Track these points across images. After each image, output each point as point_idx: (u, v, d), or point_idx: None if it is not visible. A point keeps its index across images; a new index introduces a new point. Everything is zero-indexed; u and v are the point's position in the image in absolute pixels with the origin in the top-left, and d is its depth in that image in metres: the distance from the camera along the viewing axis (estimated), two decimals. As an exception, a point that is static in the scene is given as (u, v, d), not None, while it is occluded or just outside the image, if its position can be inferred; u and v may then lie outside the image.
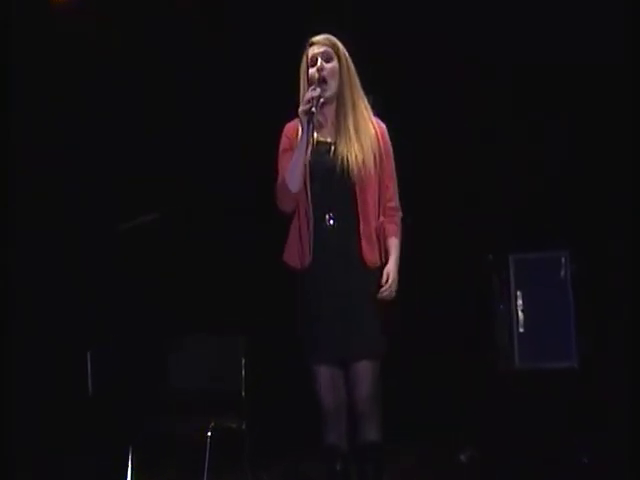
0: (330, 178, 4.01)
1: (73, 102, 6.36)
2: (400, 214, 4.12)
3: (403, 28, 5.98)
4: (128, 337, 6.11)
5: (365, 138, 4.04)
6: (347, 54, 4.10)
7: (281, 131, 4.13)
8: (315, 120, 3.96)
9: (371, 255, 4.02)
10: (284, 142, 4.10)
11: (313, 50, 4.07)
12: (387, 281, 3.99)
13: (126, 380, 6.03)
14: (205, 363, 5.48)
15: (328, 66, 4.04)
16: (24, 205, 6.08)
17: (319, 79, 4.00)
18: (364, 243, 4.01)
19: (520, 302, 5.68)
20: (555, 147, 5.81)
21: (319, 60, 4.04)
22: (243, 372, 5.32)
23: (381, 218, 4.07)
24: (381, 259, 4.06)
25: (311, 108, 3.92)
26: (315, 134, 4.03)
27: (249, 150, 6.07)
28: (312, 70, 4.03)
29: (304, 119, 3.94)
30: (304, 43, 4.10)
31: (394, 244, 4.08)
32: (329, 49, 4.06)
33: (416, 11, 5.98)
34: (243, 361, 5.34)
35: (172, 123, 6.33)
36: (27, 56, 6.12)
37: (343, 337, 3.96)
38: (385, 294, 4.00)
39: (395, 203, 4.11)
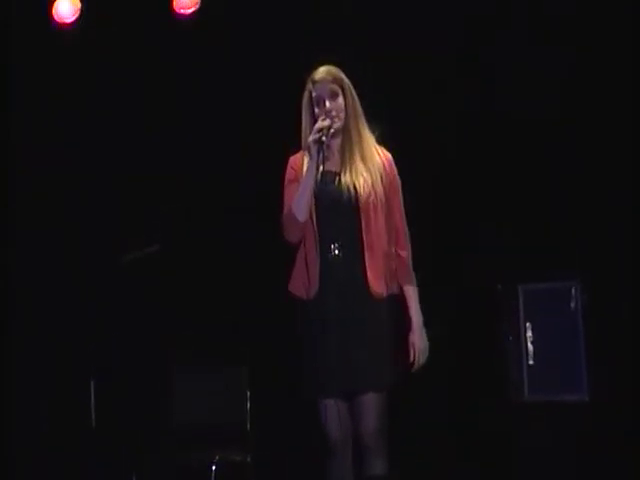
0: (336, 207, 4.02)
1: (73, 101, 6.37)
2: (410, 260, 4.09)
3: (404, 27, 5.95)
4: (131, 367, 6.07)
5: (372, 167, 4.05)
6: (350, 84, 4.09)
7: (285, 158, 4.13)
8: (325, 150, 3.95)
9: (377, 286, 4.00)
10: (289, 173, 4.11)
11: (317, 89, 4.05)
12: (414, 356, 4.03)
13: (130, 411, 5.99)
14: (209, 394, 5.45)
15: (335, 104, 4.04)
16: (24, 205, 6.07)
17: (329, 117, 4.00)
18: (370, 274, 3.99)
19: (529, 334, 5.62)
20: (564, 176, 5.77)
21: (326, 101, 4.03)
22: (248, 404, 5.29)
23: (394, 251, 4.04)
24: (388, 290, 4.02)
25: (321, 137, 3.95)
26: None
27: (249, 148, 6.07)
28: (318, 111, 4.03)
29: (314, 148, 3.95)
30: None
31: (412, 298, 4.07)
32: (333, 85, 4.06)
33: (416, 10, 5.95)
34: (248, 392, 5.31)
35: (172, 121, 6.31)
36: (27, 56, 6.12)
37: (348, 369, 3.93)
38: (417, 368, 4.02)
39: (405, 251, 4.08)
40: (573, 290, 5.56)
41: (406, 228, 4.11)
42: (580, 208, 5.69)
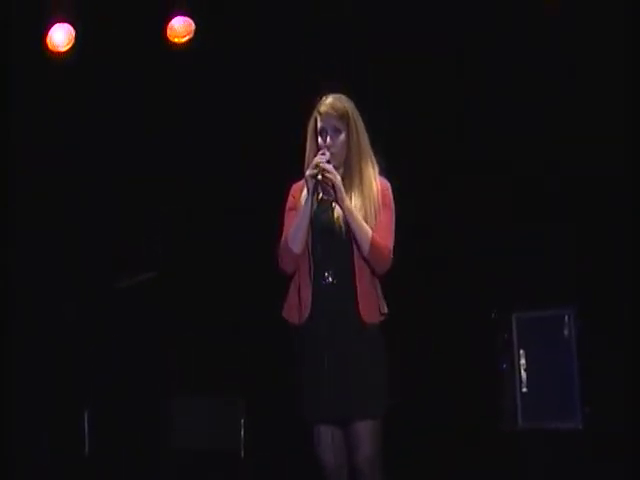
0: (329, 235, 4.02)
1: (73, 103, 6.39)
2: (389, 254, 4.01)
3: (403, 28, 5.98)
4: (126, 397, 6.06)
5: (368, 203, 4.03)
6: (357, 118, 4.08)
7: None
8: (320, 185, 3.98)
9: (369, 315, 4.00)
10: (290, 201, 4.13)
11: (322, 121, 4.06)
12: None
13: (124, 440, 5.97)
14: (204, 423, 5.44)
15: (336, 140, 4.04)
16: (24, 205, 6.09)
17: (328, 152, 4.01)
18: (361, 302, 3.98)
19: (523, 361, 5.62)
20: (559, 198, 5.79)
21: (327, 137, 4.04)
22: (242, 432, 5.28)
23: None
24: (379, 314, 4.02)
25: (317, 174, 3.95)
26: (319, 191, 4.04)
27: (249, 150, 6.08)
28: (320, 141, 4.04)
29: (311, 183, 3.97)
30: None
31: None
32: (337, 122, 4.05)
33: (415, 11, 5.98)
34: (242, 421, 5.30)
35: (172, 123, 6.32)
36: (27, 55, 6.14)
37: (342, 396, 3.92)
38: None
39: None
40: (567, 318, 5.57)
41: (390, 245, 4.05)
42: (574, 234, 5.71)
